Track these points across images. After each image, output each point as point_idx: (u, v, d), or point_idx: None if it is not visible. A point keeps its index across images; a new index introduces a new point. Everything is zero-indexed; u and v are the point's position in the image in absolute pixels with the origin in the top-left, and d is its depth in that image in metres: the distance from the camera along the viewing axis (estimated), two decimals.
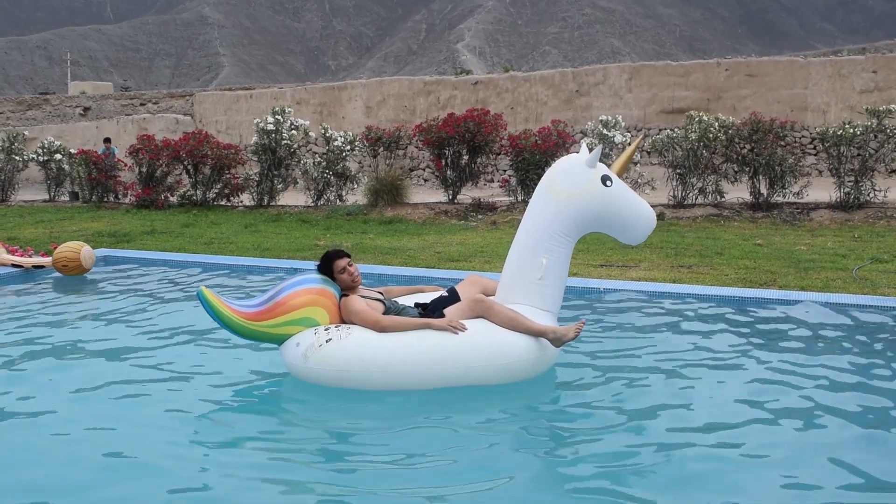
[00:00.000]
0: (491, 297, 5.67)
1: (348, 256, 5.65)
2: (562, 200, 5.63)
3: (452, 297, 5.73)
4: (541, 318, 5.46)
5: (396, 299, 5.95)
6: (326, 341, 5.21)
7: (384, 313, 5.45)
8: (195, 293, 5.37)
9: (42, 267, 10.24)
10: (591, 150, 5.74)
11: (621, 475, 4.17)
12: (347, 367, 5.16)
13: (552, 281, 5.63)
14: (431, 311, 5.61)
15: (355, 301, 5.40)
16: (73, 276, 9.93)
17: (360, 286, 5.69)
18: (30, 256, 10.61)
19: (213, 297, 5.21)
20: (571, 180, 5.66)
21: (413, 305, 5.81)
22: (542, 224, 5.66)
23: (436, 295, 5.98)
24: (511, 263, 5.75)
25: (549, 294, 5.64)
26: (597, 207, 5.62)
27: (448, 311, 5.47)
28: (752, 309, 7.62)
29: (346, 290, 5.58)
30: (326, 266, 5.58)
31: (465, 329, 5.17)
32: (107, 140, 23.79)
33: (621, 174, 5.87)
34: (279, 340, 5.43)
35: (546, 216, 5.67)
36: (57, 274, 10.01)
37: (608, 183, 5.59)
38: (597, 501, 3.91)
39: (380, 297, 5.65)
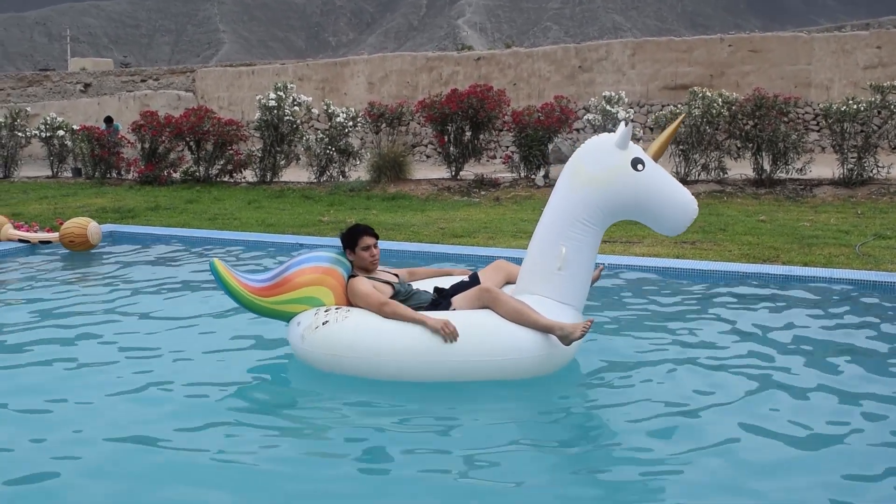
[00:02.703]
0: (509, 287, 5.48)
1: (377, 238, 5.48)
2: (586, 185, 5.14)
3: (473, 283, 5.46)
4: (559, 312, 5.06)
5: (419, 282, 5.75)
6: (323, 323, 5.04)
7: (393, 297, 5.24)
8: (207, 265, 5.35)
9: (49, 242, 10.29)
10: (626, 126, 5.20)
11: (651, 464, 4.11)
12: (339, 352, 4.98)
13: (574, 272, 5.18)
14: (448, 296, 5.38)
15: (361, 283, 5.23)
16: (79, 252, 9.98)
17: (380, 268, 5.53)
18: (35, 232, 10.65)
19: (224, 270, 5.15)
20: (598, 163, 5.15)
21: (433, 290, 5.59)
22: (565, 210, 5.21)
23: (458, 279, 5.72)
24: (531, 251, 5.36)
25: (570, 286, 5.22)
26: (626, 194, 5.09)
27: (456, 299, 5.26)
28: (754, 285, 7.67)
29: (361, 270, 5.44)
30: (352, 237, 5.41)
31: (456, 337, 4.77)
32: (108, 119, 23.72)
33: (658, 157, 5.30)
34: (284, 318, 5.34)
35: (569, 202, 5.20)
36: (63, 249, 10.05)
37: (639, 167, 5.05)
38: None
39: (392, 279, 5.45)
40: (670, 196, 5.07)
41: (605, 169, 5.10)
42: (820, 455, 4.14)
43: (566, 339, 4.85)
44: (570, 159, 5.39)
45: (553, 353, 4.96)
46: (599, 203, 5.12)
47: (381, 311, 5.02)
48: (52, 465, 4.07)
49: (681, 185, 5.18)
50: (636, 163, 5.06)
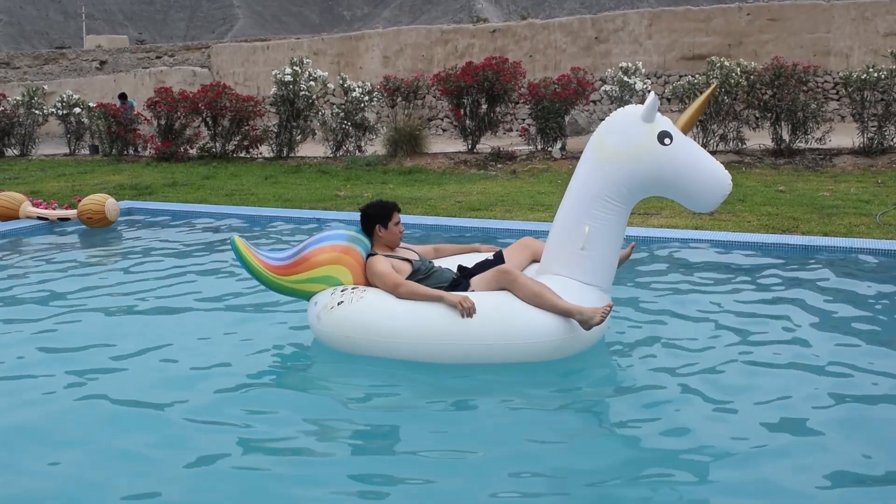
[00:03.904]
0: (534, 265, 5.35)
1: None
2: (610, 160, 4.90)
3: (497, 262, 5.35)
4: (584, 293, 4.88)
5: (444, 259, 5.67)
6: (339, 304, 4.95)
7: (411, 274, 5.15)
8: (224, 242, 5.32)
9: (67, 219, 10.34)
10: (652, 97, 4.94)
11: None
12: (353, 334, 4.90)
13: (599, 251, 4.97)
14: (469, 275, 5.28)
15: (379, 262, 5.13)
16: (97, 229, 10.02)
17: (402, 245, 5.46)
18: (54, 210, 10.70)
19: (244, 247, 5.09)
20: (622, 137, 4.89)
21: (456, 268, 5.48)
22: (588, 187, 4.98)
23: (483, 257, 5.58)
24: (554, 230, 5.15)
25: (595, 267, 5.00)
26: (652, 169, 4.83)
27: (474, 280, 5.14)
28: (774, 255, 7.62)
29: (382, 247, 5.34)
30: (385, 213, 5.31)
31: (473, 313, 4.67)
32: (122, 95, 23.72)
33: (687, 130, 5.01)
34: (303, 296, 5.28)
35: (593, 178, 4.97)
36: (82, 226, 10.10)
37: (667, 141, 4.78)
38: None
39: (413, 256, 5.34)
40: (701, 171, 4.80)
41: (630, 143, 4.85)
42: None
43: (585, 324, 4.68)
44: (594, 133, 5.15)
45: (573, 338, 4.78)
46: (624, 180, 4.88)
47: (396, 292, 4.94)
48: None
49: (712, 158, 4.91)
50: (663, 136, 4.79)
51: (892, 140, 14.10)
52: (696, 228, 8.95)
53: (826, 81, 22.46)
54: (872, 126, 14.17)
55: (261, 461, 3.91)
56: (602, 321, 4.69)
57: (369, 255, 5.29)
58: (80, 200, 10.28)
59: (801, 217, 9.47)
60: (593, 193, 4.94)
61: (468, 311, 4.70)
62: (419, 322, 4.77)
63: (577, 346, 4.87)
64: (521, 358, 4.78)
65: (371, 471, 3.83)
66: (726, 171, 4.86)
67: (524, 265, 5.42)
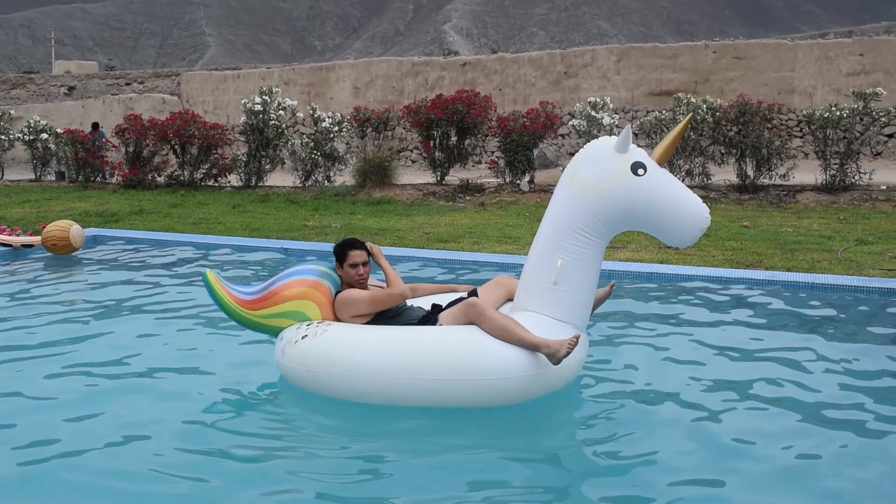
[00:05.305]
0: (509, 304, 5.21)
1: (368, 255, 5.23)
2: (583, 192, 4.73)
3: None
4: (556, 330, 4.67)
5: (420, 299, 5.53)
6: (302, 338, 4.81)
7: (381, 314, 5.05)
8: (190, 270, 5.27)
9: (31, 246, 10.23)
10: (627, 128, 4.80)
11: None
12: (315, 368, 4.71)
13: (572, 287, 4.78)
14: (439, 312, 5.11)
15: (355, 291, 5.07)
16: (62, 255, 9.92)
17: (372, 283, 5.32)
18: (18, 236, 10.59)
19: (216, 281, 5.03)
20: (595, 168, 4.74)
21: (430, 306, 5.32)
22: (561, 220, 4.81)
23: (458, 296, 5.43)
24: (528, 265, 4.98)
25: (568, 302, 4.80)
26: (625, 202, 4.65)
27: (443, 315, 5.00)
28: (738, 289, 7.70)
29: (348, 285, 5.22)
30: (341, 251, 5.20)
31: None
32: (95, 125, 23.58)
33: (663, 161, 4.80)
34: (271, 332, 5.14)
35: (566, 210, 4.80)
36: (46, 253, 10.00)
37: (640, 171, 4.63)
38: None
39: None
40: (676, 204, 4.62)
41: (603, 174, 4.69)
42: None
43: (553, 358, 4.44)
44: (569, 164, 4.98)
45: (543, 374, 4.53)
46: (597, 212, 4.70)
47: (391, 299, 5.01)
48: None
49: (689, 191, 4.73)
50: (637, 167, 4.64)
51: (853, 178, 14.33)
52: (662, 262, 9.03)
53: (790, 119, 22.85)
54: (835, 163, 14.41)
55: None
56: (569, 354, 4.44)
57: (338, 291, 5.19)
58: (44, 227, 10.18)
59: (765, 252, 9.58)
60: (566, 226, 4.77)
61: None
62: (383, 357, 4.58)
63: (549, 382, 4.64)
64: (489, 397, 4.54)
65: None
66: (704, 205, 4.70)
67: (499, 303, 5.30)
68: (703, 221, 4.63)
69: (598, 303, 5.33)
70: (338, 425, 4.75)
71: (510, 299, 5.29)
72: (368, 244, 5.32)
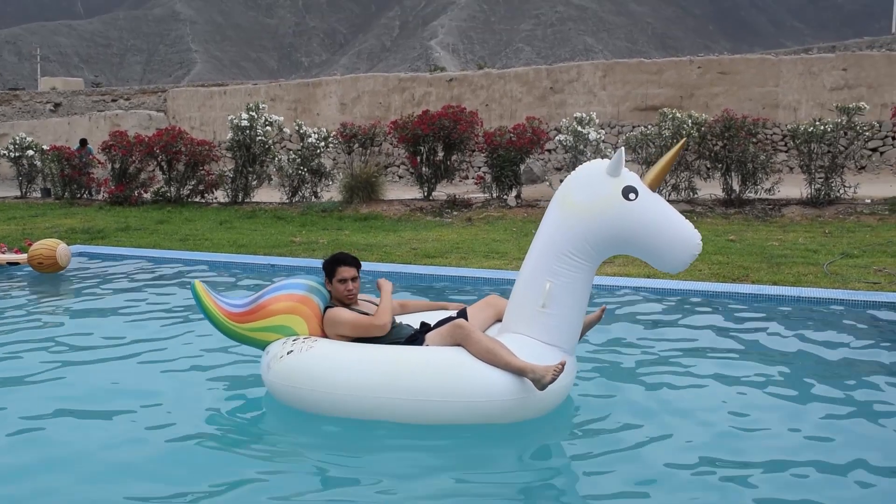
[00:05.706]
0: (498, 324, 5.17)
1: (358, 270, 5.20)
2: (574, 214, 4.70)
3: (460, 318, 5.09)
4: (544, 353, 4.63)
5: (409, 316, 5.51)
6: (288, 353, 4.80)
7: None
8: (179, 286, 5.25)
9: (17, 264, 10.17)
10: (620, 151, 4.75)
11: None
12: (299, 384, 4.72)
13: (560, 310, 4.74)
14: (428, 331, 5.09)
15: (342, 311, 5.05)
16: (48, 274, 9.86)
17: (362, 298, 5.30)
18: (3, 253, 10.53)
19: (204, 292, 5.03)
20: (586, 191, 4.70)
21: (419, 324, 5.29)
22: (551, 243, 4.77)
23: (447, 314, 5.42)
24: (517, 287, 4.95)
25: (556, 326, 4.75)
26: (616, 226, 4.61)
27: (430, 335, 4.97)
28: (725, 303, 7.73)
29: (339, 301, 5.19)
30: (329, 266, 5.18)
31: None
32: (83, 141, 23.51)
33: (655, 186, 4.76)
34: (258, 345, 5.14)
35: (556, 233, 4.77)
36: (32, 271, 9.94)
37: (632, 196, 4.58)
38: None
39: (370, 312, 5.14)
40: (667, 230, 4.58)
41: (594, 198, 4.65)
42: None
43: (538, 384, 4.43)
44: (560, 186, 4.94)
45: (527, 399, 4.51)
46: (587, 236, 4.66)
47: (372, 329, 4.92)
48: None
49: (681, 216, 4.69)
50: (628, 191, 4.58)
51: (838, 191, 14.43)
52: (648, 276, 9.05)
53: (775, 133, 23.01)
54: (819, 177, 14.50)
55: None
56: (554, 380, 4.41)
57: (328, 306, 5.17)
58: (30, 244, 10.12)
59: (751, 266, 9.62)
60: (556, 249, 4.73)
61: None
62: (367, 375, 4.59)
63: (535, 406, 4.62)
64: (473, 418, 4.54)
65: None
66: (696, 231, 4.65)
67: (488, 323, 5.25)
68: (694, 248, 4.60)
69: (587, 327, 5.32)
70: (321, 443, 4.72)
71: (499, 320, 5.24)
72: (382, 280, 5.30)
